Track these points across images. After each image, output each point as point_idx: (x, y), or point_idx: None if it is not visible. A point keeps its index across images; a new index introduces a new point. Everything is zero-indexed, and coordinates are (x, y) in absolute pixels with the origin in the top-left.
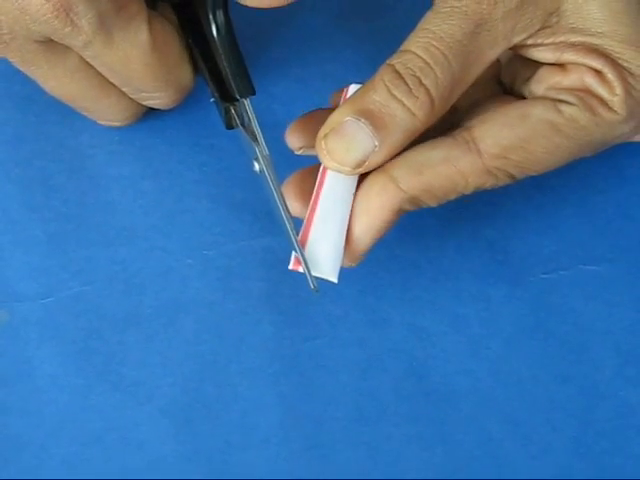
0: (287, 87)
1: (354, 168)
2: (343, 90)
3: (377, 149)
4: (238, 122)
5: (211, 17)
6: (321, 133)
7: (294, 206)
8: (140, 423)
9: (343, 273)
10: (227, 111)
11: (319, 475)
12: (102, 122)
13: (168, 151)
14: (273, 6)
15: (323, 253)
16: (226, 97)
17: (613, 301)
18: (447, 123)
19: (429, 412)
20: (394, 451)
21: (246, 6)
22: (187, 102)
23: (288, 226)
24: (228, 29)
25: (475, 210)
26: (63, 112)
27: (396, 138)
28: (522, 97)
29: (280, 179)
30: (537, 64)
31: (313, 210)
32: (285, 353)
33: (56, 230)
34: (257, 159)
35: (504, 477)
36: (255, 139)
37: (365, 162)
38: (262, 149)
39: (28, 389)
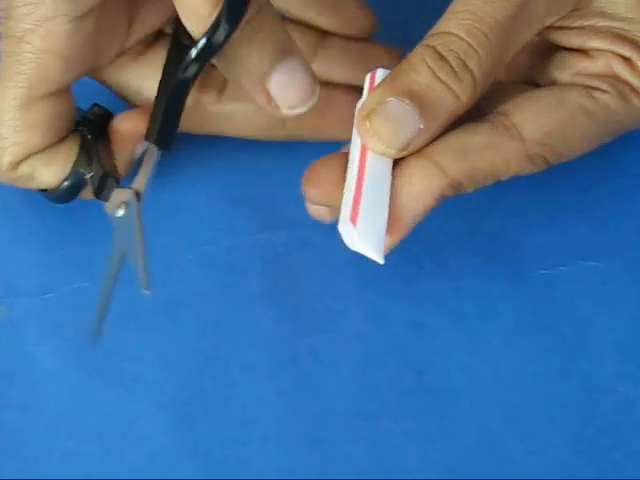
0: None
1: (400, 150)
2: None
3: (422, 131)
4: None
5: (182, 65)
6: (363, 112)
7: (315, 194)
8: (139, 418)
9: (343, 269)
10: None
11: (319, 470)
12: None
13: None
14: None
15: (373, 234)
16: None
17: (613, 297)
18: None
19: (429, 407)
20: (394, 446)
21: None
22: None
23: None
24: (185, 85)
25: (475, 205)
26: None
27: (441, 120)
28: (534, 83)
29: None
30: (552, 50)
31: (359, 194)
32: (285, 348)
33: (56, 225)
34: (127, 204)
35: (504, 472)
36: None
37: (410, 144)
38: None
39: (27, 384)
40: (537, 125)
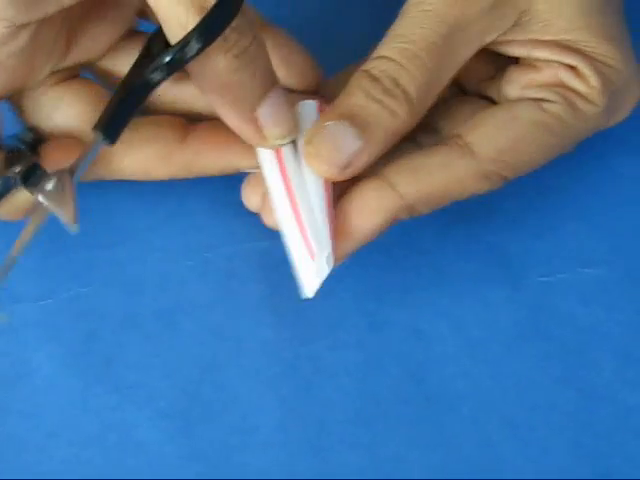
0: None
1: (343, 169)
2: None
3: (362, 149)
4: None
5: (155, 65)
6: (305, 139)
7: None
8: (139, 425)
9: (342, 277)
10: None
11: (319, 477)
12: None
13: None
14: None
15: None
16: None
17: (611, 304)
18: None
19: (428, 415)
20: (394, 454)
21: None
22: None
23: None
24: (148, 86)
25: (473, 213)
26: None
27: (380, 137)
28: (485, 97)
29: None
30: (499, 62)
31: (303, 229)
32: (284, 356)
33: (55, 231)
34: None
35: (503, 478)
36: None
37: (351, 164)
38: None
39: (27, 390)
40: (490, 143)
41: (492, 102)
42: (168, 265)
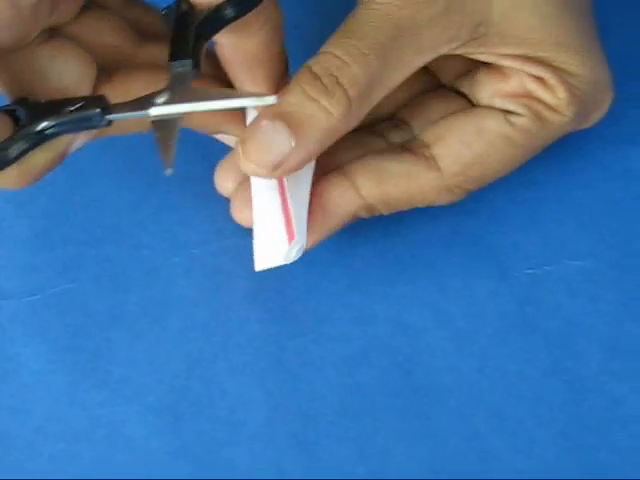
0: None
1: (272, 170)
2: None
3: (294, 150)
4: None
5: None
6: (241, 137)
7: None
8: (127, 420)
9: (328, 270)
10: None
11: (306, 470)
12: None
13: (153, 148)
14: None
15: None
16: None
17: (598, 296)
18: (387, 115)
19: (415, 407)
20: (381, 446)
21: None
22: None
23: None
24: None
25: (460, 206)
26: None
27: (313, 138)
28: (459, 92)
29: None
30: (474, 62)
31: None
32: (271, 350)
33: (42, 227)
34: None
35: (490, 471)
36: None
37: (282, 163)
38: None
39: (14, 386)
40: (455, 158)
41: (467, 99)
42: (155, 261)
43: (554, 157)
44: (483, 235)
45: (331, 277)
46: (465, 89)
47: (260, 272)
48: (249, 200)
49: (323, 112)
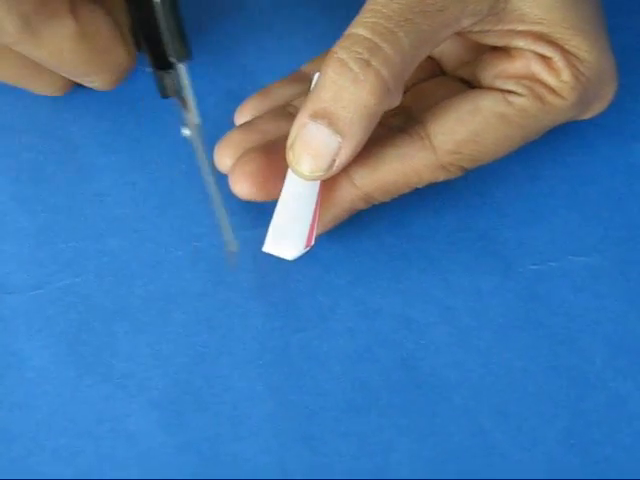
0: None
1: (326, 171)
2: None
3: (342, 145)
4: (172, 90)
5: None
6: (288, 142)
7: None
8: (130, 415)
9: (333, 265)
10: (162, 78)
11: (310, 465)
12: (39, 93)
13: (158, 142)
14: None
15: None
16: (162, 64)
17: (603, 292)
18: None
19: (419, 403)
20: (385, 442)
21: None
22: None
23: (214, 195)
24: None
25: (465, 201)
26: (52, 103)
27: (357, 129)
28: (462, 79)
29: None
30: (479, 48)
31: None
32: (275, 344)
33: (45, 222)
34: (187, 125)
35: (494, 467)
36: (187, 107)
37: (335, 161)
38: (193, 117)
39: (18, 381)
40: (449, 135)
41: (470, 86)
42: (159, 255)
43: (559, 152)
44: (488, 230)
45: (336, 271)
46: (468, 75)
47: (264, 266)
48: (248, 174)
49: (360, 100)
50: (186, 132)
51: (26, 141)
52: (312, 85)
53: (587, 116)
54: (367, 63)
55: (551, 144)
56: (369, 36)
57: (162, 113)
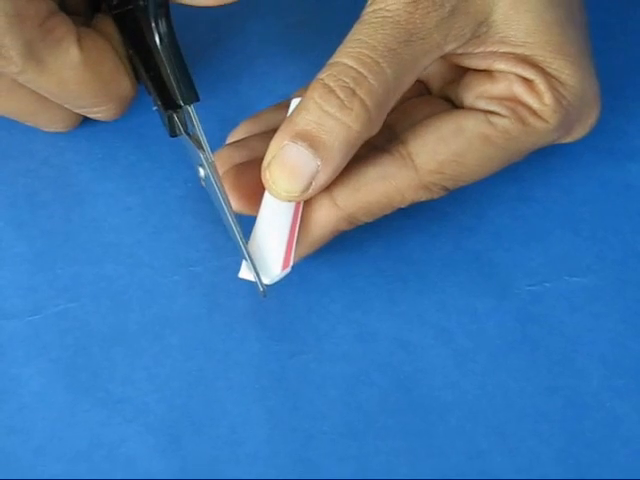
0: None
1: (302, 193)
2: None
3: (321, 169)
4: (182, 129)
5: (154, 26)
6: (264, 163)
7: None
8: (127, 439)
9: (329, 288)
10: (170, 119)
11: None
12: (45, 130)
13: (152, 167)
14: (218, 4)
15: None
16: (169, 105)
17: (599, 312)
18: None
19: (416, 425)
20: (382, 465)
21: (192, 6)
22: None
23: (236, 232)
24: (171, 37)
25: (460, 223)
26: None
27: (337, 154)
28: (447, 99)
29: None
30: (463, 68)
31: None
32: (272, 368)
33: (42, 247)
34: (202, 165)
35: None
36: (200, 146)
37: (312, 184)
38: (207, 156)
39: (15, 406)
40: (431, 155)
41: (455, 106)
42: (155, 280)
43: (554, 173)
44: (483, 252)
45: (332, 295)
46: (451, 94)
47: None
48: (238, 186)
49: (343, 127)
50: (201, 173)
51: (22, 168)
52: (290, 110)
53: (570, 139)
54: (352, 92)
55: (545, 166)
56: (354, 66)
57: (155, 139)
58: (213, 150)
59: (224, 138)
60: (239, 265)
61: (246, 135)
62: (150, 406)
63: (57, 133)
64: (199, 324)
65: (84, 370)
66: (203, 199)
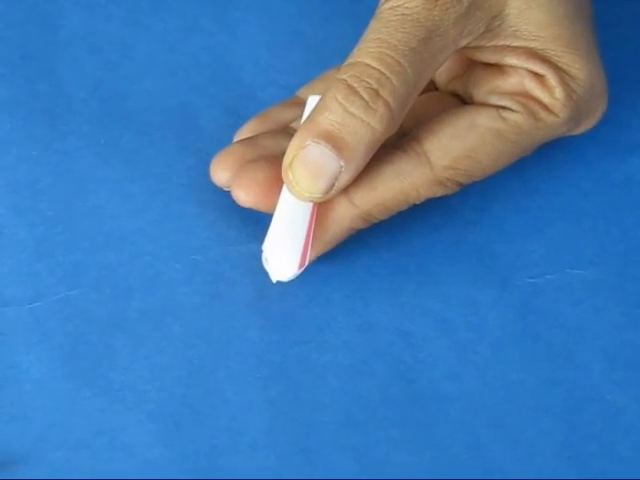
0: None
1: (324, 194)
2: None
3: (344, 170)
4: None
5: None
6: (285, 162)
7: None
8: (128, 427)
9: (331, 278)
10: None
11: (307, 478)
12: None
13: (155, 155)
14: None
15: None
16: None
17: (600, 305)
18: None
19: (417, 416)
20: (382, 455)
21: None
22: (175, 106)
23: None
24: None
25: (462, 215)
26: (50, 116)
27: (360, 155)
28: (453, 93)
29: None
30: (470, 61)
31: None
32: (273, 358)
33: (43, 234)
34: None
35: None
36: None
37: (334, 184)
38: None
39: (15, 394)
40: (445, 151)
41: (462, 100)
42: (156, 268)
43: (555, 166)
44: (485, 244)
45: (333, 285)
46: (460, 89)
47: (262, 279)
48: (254, 181)
49: (367, 128)
50: None
51: (24, 154)
52: (307, 108)
53: (578, 132)
54: (376, 93)
55: (547, 158)
56: (377, 66)
57: (158, 126)
58: (221, 145)
59: (228, 127)
60: (241, 254)
61: (254, 133)
62: (151, 394)
63: (59, 118)
64: (200, 313)
65: (85, 358)
66: (205, 188)
